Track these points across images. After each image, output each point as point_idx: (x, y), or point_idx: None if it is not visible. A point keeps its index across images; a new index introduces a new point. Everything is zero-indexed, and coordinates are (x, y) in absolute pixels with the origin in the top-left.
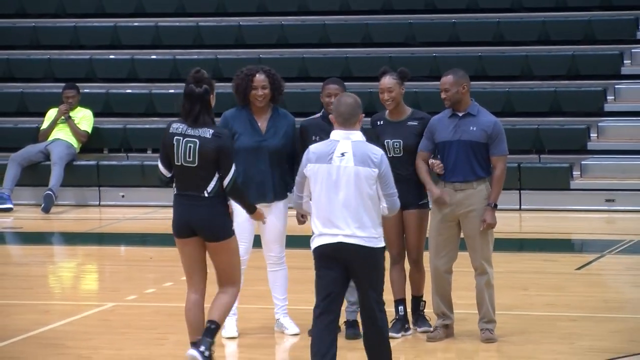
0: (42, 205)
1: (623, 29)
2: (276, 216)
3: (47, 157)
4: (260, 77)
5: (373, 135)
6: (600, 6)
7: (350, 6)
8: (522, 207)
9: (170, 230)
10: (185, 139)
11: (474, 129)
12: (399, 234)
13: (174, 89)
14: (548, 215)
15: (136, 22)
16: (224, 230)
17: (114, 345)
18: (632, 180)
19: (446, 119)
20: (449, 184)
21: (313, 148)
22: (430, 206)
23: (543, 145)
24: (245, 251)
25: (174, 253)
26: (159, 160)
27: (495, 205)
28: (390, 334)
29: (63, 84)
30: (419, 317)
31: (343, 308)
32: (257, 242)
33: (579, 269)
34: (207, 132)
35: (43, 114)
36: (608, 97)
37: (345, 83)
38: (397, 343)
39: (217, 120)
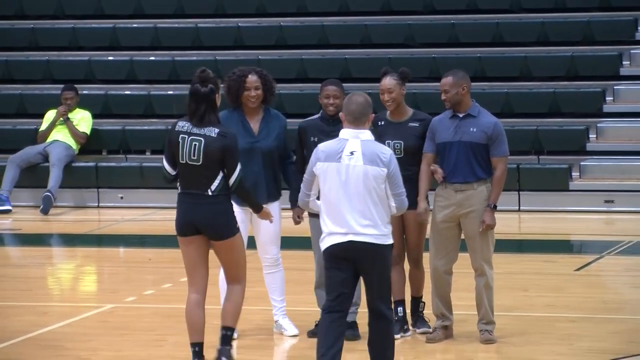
0: (41, 207)
1: (622, 29)
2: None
3: (46, 158)
4: (252, 78)
5: (374, 135)
6: (599, 7)
7: (349, 7)
8: (521, 208)
9: (169, 232)
10: (191, 138)
11: (474, 130)
12: (399, 235)
13: (172, 90)
14: (547, 217)
15: (135, 23)
16: (228, 228)
17: (113, 346)
18: (631, 181)
19: (447, 119)
20: (449, 184)
21: (322, 147)
22: (430, 206)
23: (542, 146)
24: None
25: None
26: (163, 158)
27: (495, 206)
28: None
29: (62, 86)
30: (418, 319)
31: None
32: (251, 243)
33: (578, 270)
34: (213, 131)
35: (42, 116)
36: (607, 98)
37: (344, 84)
38: (397, 344)
39: None
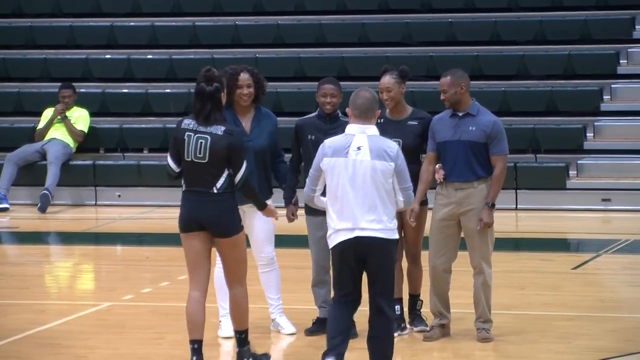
0: (39, 205)
1: (619, 28)
2: (263, 216)
3: (44, 156)
4: (244, 76)
5: None
6: (596, 6)
7: (346, 6)
8: (518, 206)
9: (166, 230)
10: (197, 135)
11: (473, 128)
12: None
13: (170, 88)
14: (544, 215)
15: (132, 21)
16: (232, 226)
17: (111, 344)
18: (628, 179)
19: (447, 118)
20: (449, 183)
21: (329, 142)
22: (429, 204)
23: (539, 144)
24: None
25: (170, 252)
26: (168, 155)
27: (493, 205)
28: None
29: (59, 84)
30: (416, 317)
31: None
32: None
33: (575, 268)
34: (219, 130)
35: (39, 114)
36: (604, 97)
37: (342, 83)
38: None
39: None
